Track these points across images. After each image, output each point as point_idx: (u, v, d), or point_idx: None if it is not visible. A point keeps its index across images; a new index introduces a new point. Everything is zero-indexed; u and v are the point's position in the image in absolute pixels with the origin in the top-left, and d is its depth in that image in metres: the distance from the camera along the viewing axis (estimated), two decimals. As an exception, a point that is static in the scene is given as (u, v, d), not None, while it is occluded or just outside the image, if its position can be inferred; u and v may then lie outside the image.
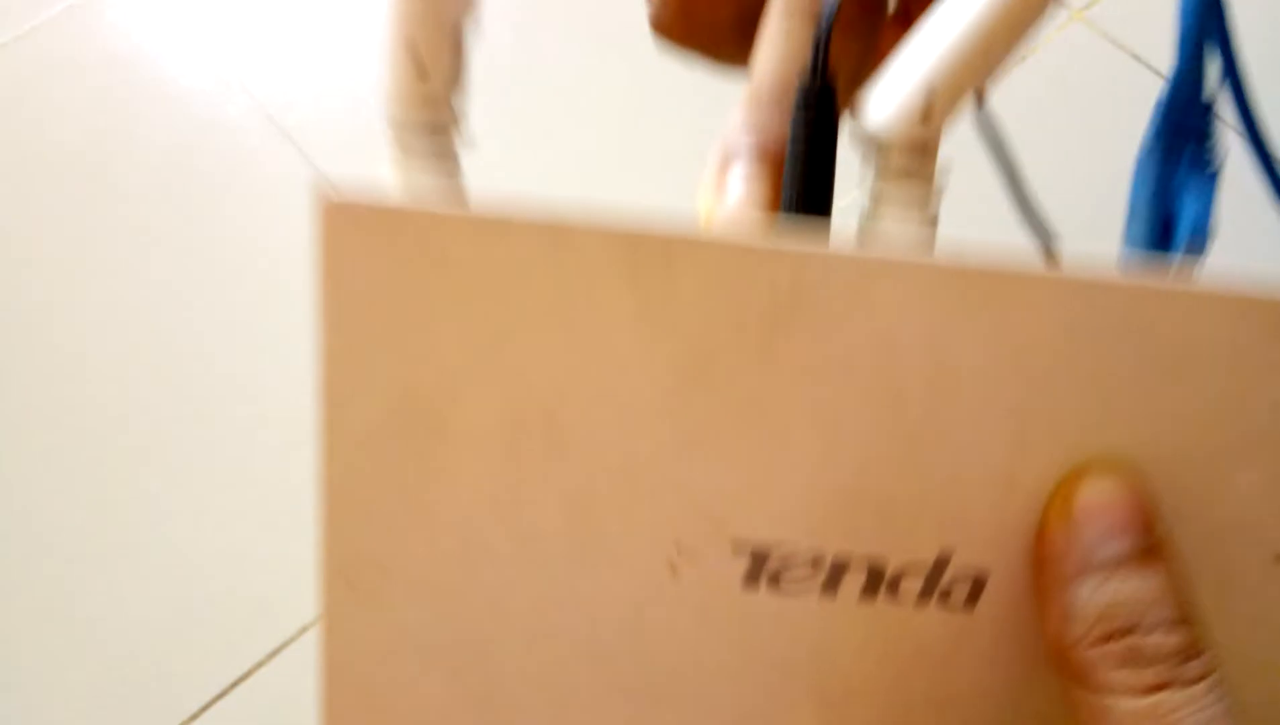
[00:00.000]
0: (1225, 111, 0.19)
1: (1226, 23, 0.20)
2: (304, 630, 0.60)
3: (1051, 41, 0.68)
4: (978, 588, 0.16)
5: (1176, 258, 0.16)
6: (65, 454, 0.65)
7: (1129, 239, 0.17)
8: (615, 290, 0.15)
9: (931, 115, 0.15)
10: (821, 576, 0.16)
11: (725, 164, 0.17)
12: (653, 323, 0.15)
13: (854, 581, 0.16)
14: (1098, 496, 0.15)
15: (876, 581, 0.16)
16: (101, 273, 0.71)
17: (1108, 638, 0.14)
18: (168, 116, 0.76)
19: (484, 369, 0.15)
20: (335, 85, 0.76)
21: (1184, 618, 0.14)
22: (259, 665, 0.58)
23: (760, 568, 0.16)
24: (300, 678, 0.58)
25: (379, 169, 0.16)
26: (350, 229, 0.15)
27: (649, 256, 0.15)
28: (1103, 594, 0.14)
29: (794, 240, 0.15)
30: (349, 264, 0.15)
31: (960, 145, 0.21)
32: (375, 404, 0.15)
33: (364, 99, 0.75)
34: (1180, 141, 0.16)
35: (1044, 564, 0.15)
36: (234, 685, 0.58)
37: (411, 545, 0.16)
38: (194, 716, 0.57)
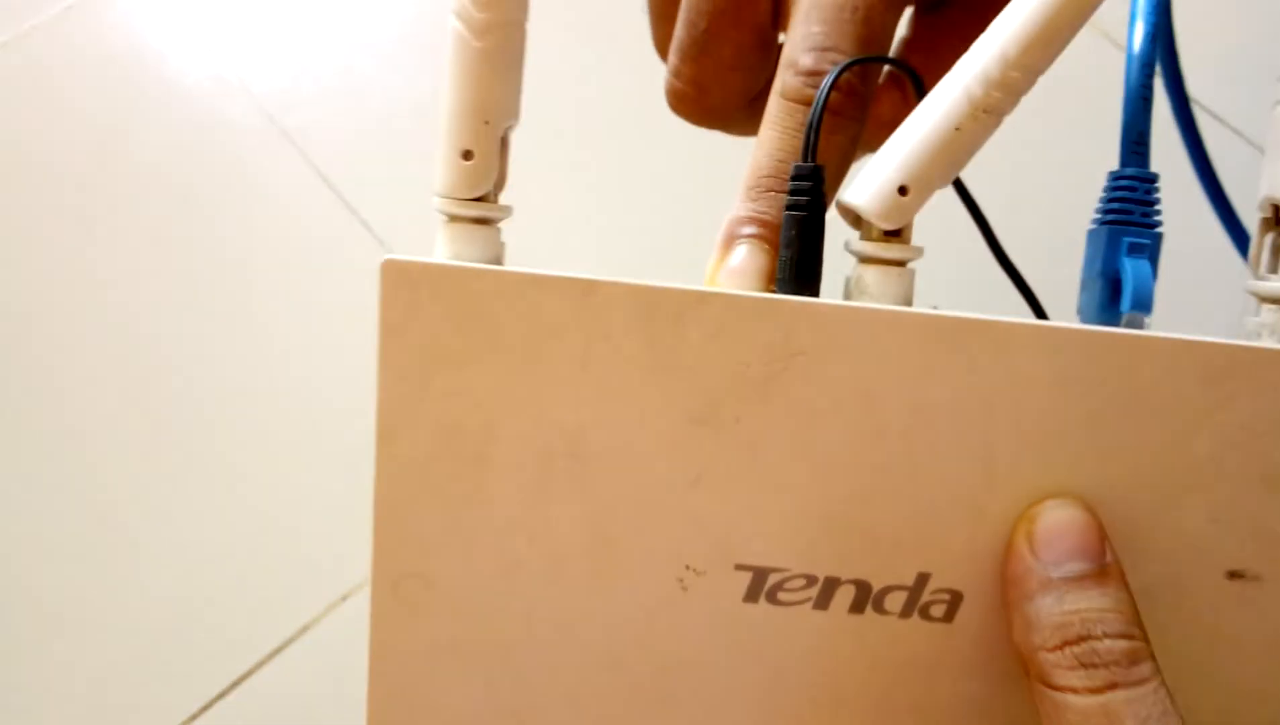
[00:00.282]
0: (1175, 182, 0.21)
1: (1180, 83, 0.22)
2: (304, 630, 0.61)
3: None
4: (954, 604, 0.18)
5: (1124, 319, 0.18)
6: (64, 453, 0.66)
7: (1082, 306, 0.19)
8: (632, 340, 0.17)
9: (906, 196, 0.17)
10: (814, 592, 0.18)
11: (728, 244, 0.19)
12: (665, 369, 0.17)
13: (844, 597, 0.18)
14: (1057, 524, 0.17)
15: (864, 597, 0.18)
16: (101, 272, 0.71)
17: (1065, 644, 0.16)
18: (168, 116, 0.76)
19: (518, 407, 0.17)
20: (336, 87, 0.76)
21: (1132, 628, 0.16)
22: (260, 665, 0.59)
23: (760, 585, 0.18)
24: (301, 678, 0.59)
25: (378, 171, 0.18)
26: (403, 283, 0.17)
27: (663, 310, 0.17)
28: (1061, 606, 0.16)
29: (788, 297, 0.17)
30: (402, 314, 0.17)
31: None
32: (422, 436, 0.17)
33: (365, 101, 0.76)
34: (1128, 209, 0.18)
35: (1011, 582, 0.17)
36: (234, 685, 0.59)
37: (452, 560, 0.18)
38: (194, 716, 0.58)
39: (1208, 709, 0.19)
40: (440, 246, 0.18)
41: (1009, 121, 0.17)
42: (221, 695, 0.60)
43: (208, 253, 0.72)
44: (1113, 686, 0.16)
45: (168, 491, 0.66)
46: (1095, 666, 0.16)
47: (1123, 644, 0.16)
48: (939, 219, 0.21)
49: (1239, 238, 0.35)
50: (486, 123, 0.17)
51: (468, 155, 0.17)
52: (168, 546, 0.64)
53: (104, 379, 0.69)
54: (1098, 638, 0.16)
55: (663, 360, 0.17)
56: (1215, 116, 0.61)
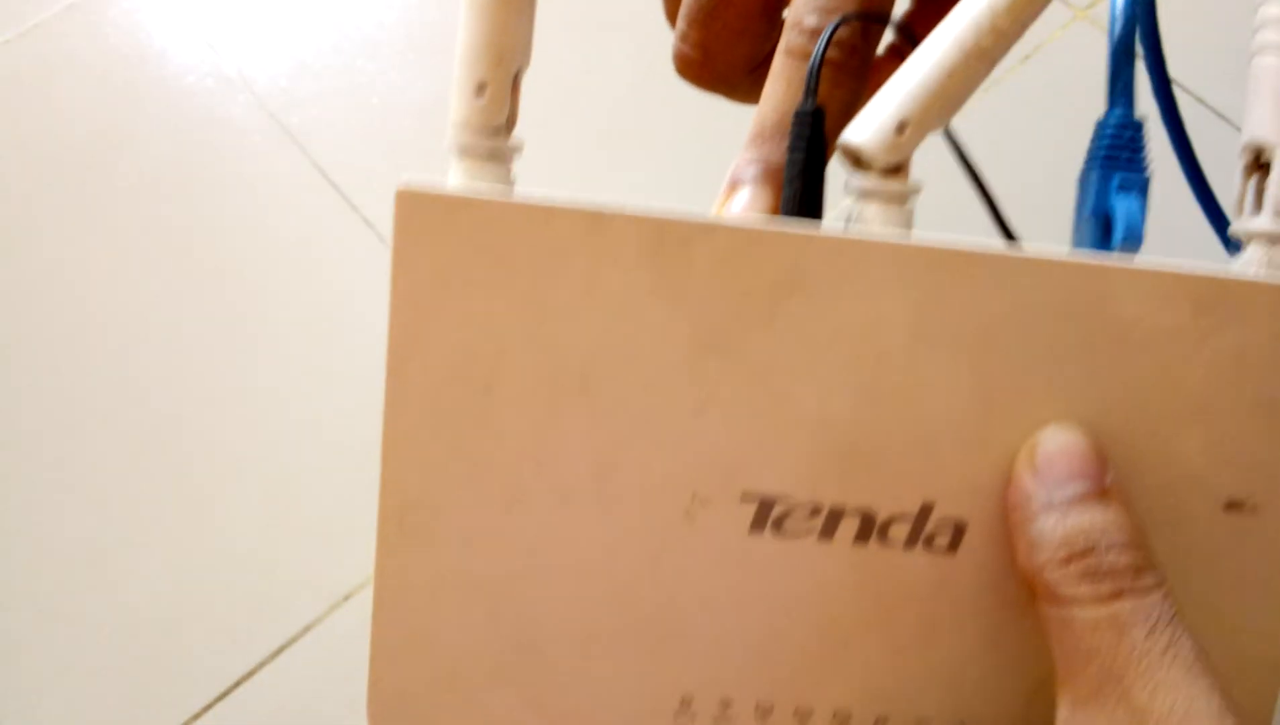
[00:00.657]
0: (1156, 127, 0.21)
1: (1158, 42, 0.23)
2: (307, 629, 0.60)
3: (1055, 40, 0.67)
4: (958, 535, 0.18)
5: (1115, 253, 0.18)
6: (64, 452, 0.66)
7: (1075, 244, 0.19)
8: (640, 268, 0.17)
9: (904, 134, 0.18)
10: (819, 522, 0.18)
11: (732, 188, 0.20)
12: (672, 297, 0.17)
13: (848, 527, 0.18)
14: (1057, 447, 0.17)
15: (868, 528, 0.18)
16: (102, 271, 0.71)
17: (1070, 559, 0.16)
18: (170, 115, 0.77)
19: (527, 336, 0.18)
20: (338, 85, 0.77)
21: (1136, 542, 0.16)
22: (262, 664, 0.59)
23: (766, 515, 0.18)
24: (303, 678, 0.59)
25: (379, 169, 0.18)
26: (417, 212, 0.17)
27: (670, 239, 0.17)
28: (1064, 524, 0.16)
29: (793, 226, 0.17)
30: (414, 242, 0.17)
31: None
32: (431, 364, 0.18)
33: (367, 100, 0.76)
34: (1116, 153, 0.19)
35: (1013, 506, 0.17)
36: (237, 684, 0.59)
37: (459, 491, 0.18)
38: (196, 716, 0.58)
39: (1208, 644, 0.19)
40: (452, 179, 0.18)
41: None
42: (224, 696, 0.59)
43: (209, 251, 0.73)
44: (1119, 595, 0.16)
45: (169, 491, 0.65)
46: (1101, 577, 0.16)
47: (1128, 555, 0.16)
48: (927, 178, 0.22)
49: (1217, 221, 0.35)
50: (500, 58, 0.17)
51: (481, 89, 0.18)
52: (166, 547, 0.63)
53: (103, 378, 0.69)
54: (1102, 551, 0.16)
55: (670, 288, 0.17)
56: (1196, 98, 0.62)
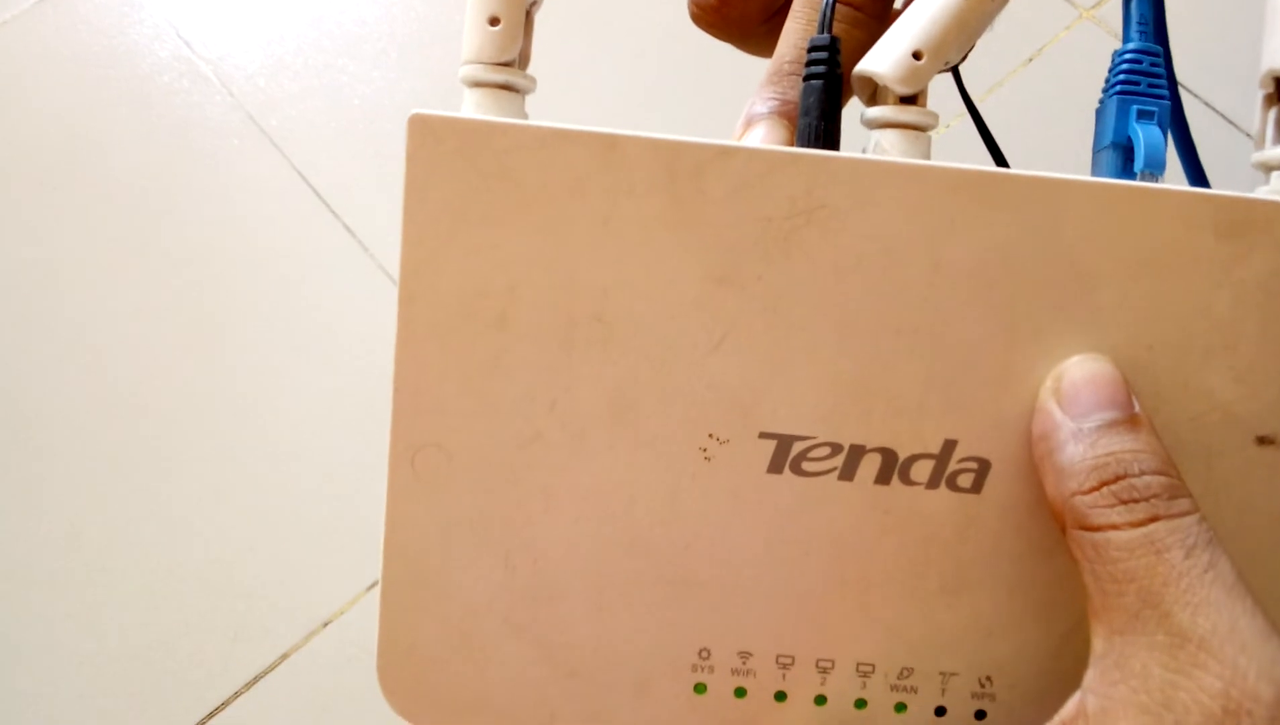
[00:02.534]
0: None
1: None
2: (284, 657, 0.59)
3: (1060, 40, 0.68)
4: (982, 473, 0.18)
5: (1138, 179, 0.18)
6: (61, 451, 0.64)
7: (1094, 173, 0.19)
8: (655, 196, 0.17)
9: (921, 61, 0.18)
10: (839, 461, 0.18)
11: (747, 125, 0.20)
12: (688, 225, 0.17)
13: (870, 466, 0.18)
14: (1083, 377, 0.17)
15: (890, 467, 0.18)
16: (78, 275, 0.70)
17: (1101, 484, 0.16)
18: (145, 116, 0.75)
19: (540, 267, 0.17)
20: (319, 86, 0.76)
21: (1167, 466, 0.16)
22: (237, 694, 0.57)
23: (785, 454, 0.18)
24: (281, 709, 0.57)
25: (360, 172, 0.18)
26: (430, 139, 0.16)
27: (685, 165, 0.17)
28: (1094, 451, 0.16)
29: (810, 151, 0.17)
30: (427, 170, 0.17)
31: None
32: (443, 298, 0.17)
33: (348, 101, 0.76)
34: (1134, 79, 0.18)
35: (1040, 438, 0.17)
36: (212, 715, 0.57)
37: (471, 430, 0.18)
38: (204, 719, 0.57)
39: None
40: (465, 111, 0.18)
41: None
42: (231, 699, 0.58)
43: (185, 257, 0.71)
44: (1154, 518, 0.15)
45: (169, 493, 0.63)
46: (1135, 501, 0.16)
47: (1161, 479, 0.16)
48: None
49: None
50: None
51: (494, 21, 0.17)
52: (139, 575, 0.61)
53: (76, 383, 0.67)
54: (1135, 474, 0.16)
55: (685, 216, 0.17)
56: (1202, 100, 0.62)
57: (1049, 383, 0.17)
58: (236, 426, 0.65)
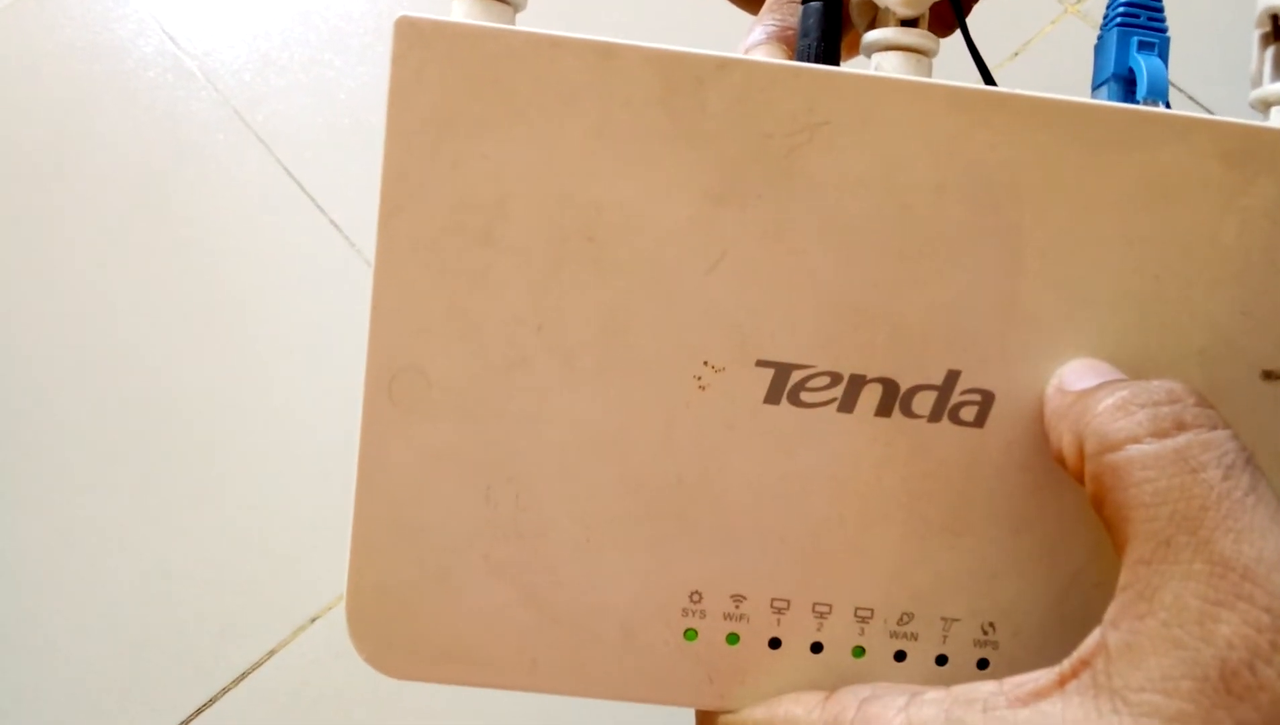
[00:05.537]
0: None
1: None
2: (271, 654, 0.58)
3: (1045, 35, 0.67)
4: (986, 406, 0.17)
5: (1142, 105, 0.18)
6: (45, 447, 0.63)
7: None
8: (652, 108, 0.16)
9: None
10: (839, 392, 0.17)
11: (745, 52, 0.19)
12: (685, 139, 0.16)
13: (870, 397, 0.17)
14: (1084, 363, 0.17)
15: (892, 398, 0.17)
16: (63, 273, 0.69)
17: (1126, 410, 0.15)
18: (130, 112, 0.74)
19: (531, 180, 0.16)
20: (303, 81, 0.75)
21: (1191, 390, 0.15)
22: (224, 691, 0.56)
23: (782, 383, 0.17)
24: (266, 707, 0.56)
25: (347, 168, 0.17)
26: (417, 42, 0.16)
27: (683, 76, 0.16)
28: (1113, 394, 0.15)
29: (811, 66, 0.16)
30: (413, 75, 0.16)
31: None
32: (428, 210, 0.16)
33: (332, 96, 0.75)
34: (1134, 13, 0.18)
35: (1051, 414, 0.17)
36: (198, 712, 0.56)
37: (453, 354, 0.17)
38: (191, 718, 0.55)
39: None
40: (455, 15, 0.17)
41: None
42: (218, 698, 0.56)
43: (172, 251, 0.70)
44: (1182, 427, 0.14)
45: (123, 511, 0.62)
46: (1158, 404, 0.14)
47: (1183, 387, 0.15)
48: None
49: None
50: None
51: None
52: (123, 573, 0.60)
53: (59, 379, 0.66)
54: (1157, 393, 0.15)
55: (683, 130, 0.16)
56: (1186, 95, 0.62)
57: (1050, 380, 0.17)
58: (222, 422, 0.64)
